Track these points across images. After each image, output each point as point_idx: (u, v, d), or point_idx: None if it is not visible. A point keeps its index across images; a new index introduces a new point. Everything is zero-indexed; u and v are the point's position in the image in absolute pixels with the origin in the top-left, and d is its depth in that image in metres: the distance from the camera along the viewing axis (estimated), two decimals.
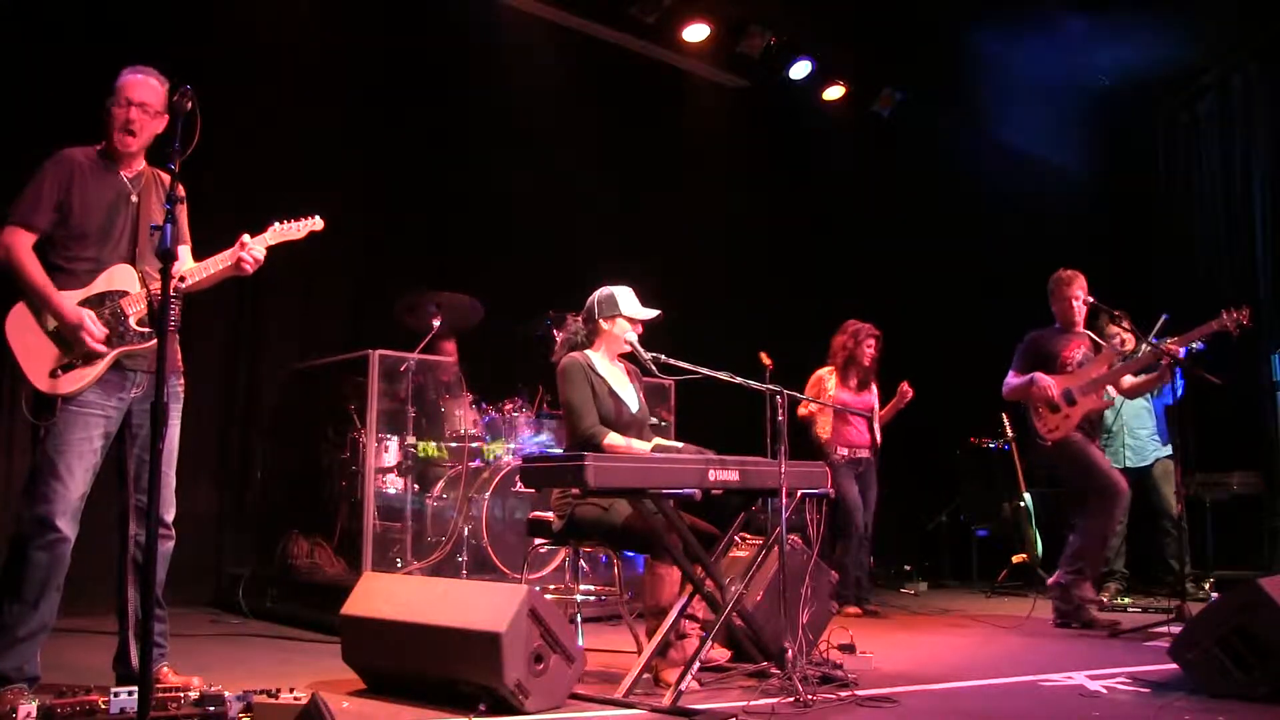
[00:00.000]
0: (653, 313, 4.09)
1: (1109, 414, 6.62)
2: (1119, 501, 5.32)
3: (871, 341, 6.15)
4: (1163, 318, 5.84)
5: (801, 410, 6.17)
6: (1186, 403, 6.12)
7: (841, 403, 6.06)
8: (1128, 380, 5.47)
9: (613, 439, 3.83)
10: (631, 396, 4.10)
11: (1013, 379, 5.57)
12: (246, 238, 3.48)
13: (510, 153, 7.18)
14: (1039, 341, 5.60)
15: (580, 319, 4.15)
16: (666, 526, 3.56)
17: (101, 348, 3.27)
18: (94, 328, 3.25)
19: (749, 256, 8.52)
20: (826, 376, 6.19)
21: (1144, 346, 5.41)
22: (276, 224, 3.58)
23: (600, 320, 4.07)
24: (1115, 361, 5.43)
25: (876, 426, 6.21)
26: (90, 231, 3.34)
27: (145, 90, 3.39)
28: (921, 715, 3.36)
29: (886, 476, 6.40)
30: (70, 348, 3.26)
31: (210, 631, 5.12)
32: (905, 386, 6.15)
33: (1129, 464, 6.53)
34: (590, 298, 4.12)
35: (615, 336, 4.05)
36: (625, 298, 4.07)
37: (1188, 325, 5.37)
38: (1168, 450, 6.54)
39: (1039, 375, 5.41)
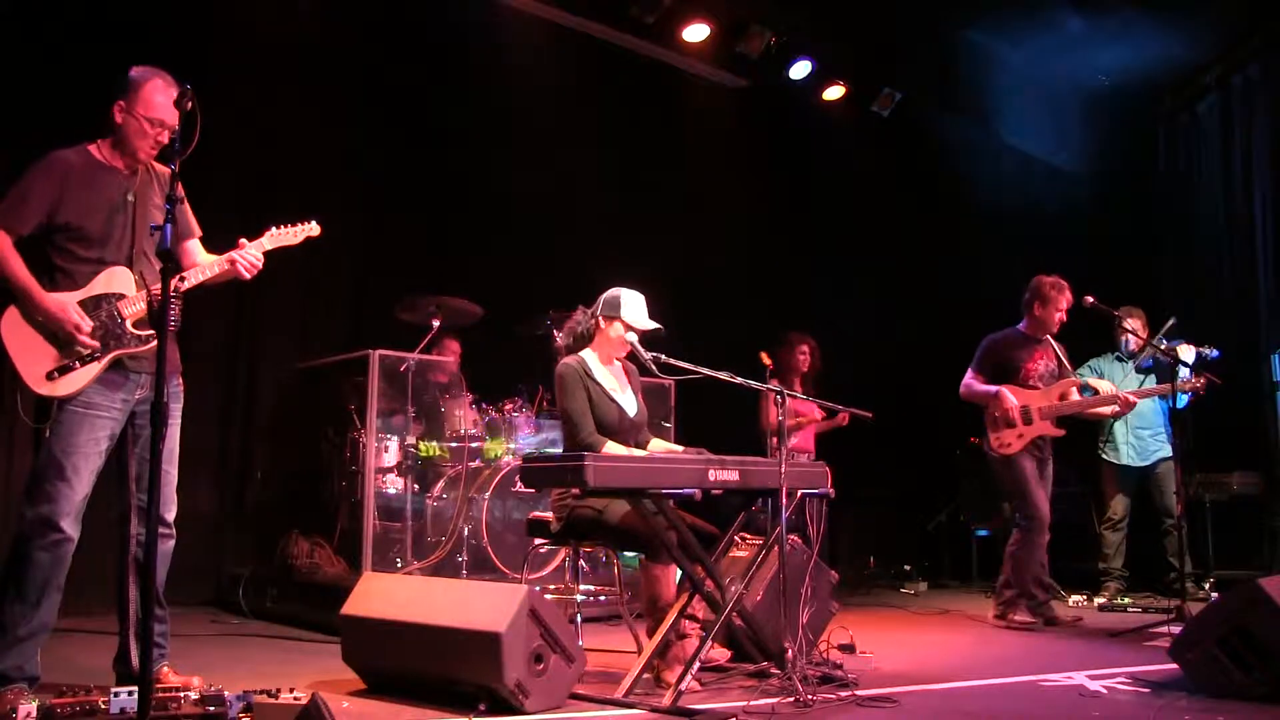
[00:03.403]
0: (653, 325, 4.01)
1: None
2: (1043, 534, 5.41)
3: (806, 349, 6.68)
4: (1170, 321, 5.87)
5: (794, 422, 6.43)
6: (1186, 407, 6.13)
7: (810, 414, 6.48)
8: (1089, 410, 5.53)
9: (611, 448, 3.79)
10: (630, 400, 4.08)
11: (976, 384, 5.55)
12: (244, 241, 3.46)
13: (510, 153, 7.17)
14: (1000, 348, 5.57)
15: (588, 312, 4.11)
16: (666, 526, 3.56)
17: (89, 340, 3.23)
18: (78, 319, 3.21)
19: (748, 256, 8.51)
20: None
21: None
22: (273, 229, 3.54)
23: (600, 317, 4.03)
24: (1073, 392, 5.46)
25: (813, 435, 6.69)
26: (90, 234, 3.30)
27: (171, 110, 3.21)
28: (921, 715, 3.36)
29: (887, 477, 6.47)
30: (64, 346, 3.23)
31: (210, 631, 5.12)
32: (845, 417, 6.40)
33: (1130, 462, 6.50)
34: (603, 294, 4.09)
35: (611, 339, 4.02)
36: (631, 303, 4.01)
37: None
38: (1169, 451, 6.51)
39: (1004, 393, 5.41)
